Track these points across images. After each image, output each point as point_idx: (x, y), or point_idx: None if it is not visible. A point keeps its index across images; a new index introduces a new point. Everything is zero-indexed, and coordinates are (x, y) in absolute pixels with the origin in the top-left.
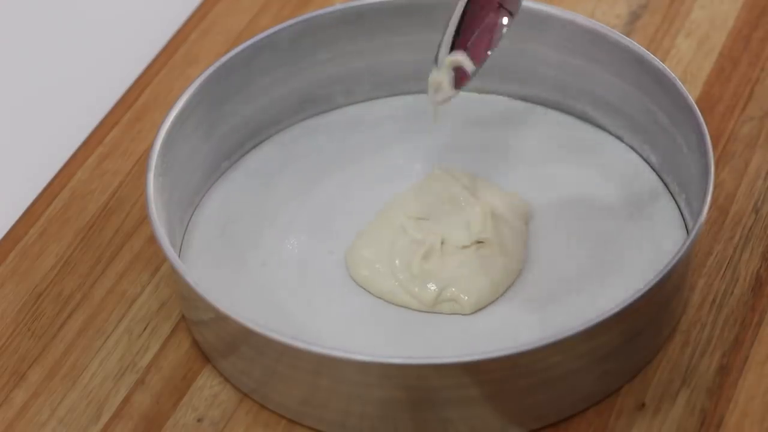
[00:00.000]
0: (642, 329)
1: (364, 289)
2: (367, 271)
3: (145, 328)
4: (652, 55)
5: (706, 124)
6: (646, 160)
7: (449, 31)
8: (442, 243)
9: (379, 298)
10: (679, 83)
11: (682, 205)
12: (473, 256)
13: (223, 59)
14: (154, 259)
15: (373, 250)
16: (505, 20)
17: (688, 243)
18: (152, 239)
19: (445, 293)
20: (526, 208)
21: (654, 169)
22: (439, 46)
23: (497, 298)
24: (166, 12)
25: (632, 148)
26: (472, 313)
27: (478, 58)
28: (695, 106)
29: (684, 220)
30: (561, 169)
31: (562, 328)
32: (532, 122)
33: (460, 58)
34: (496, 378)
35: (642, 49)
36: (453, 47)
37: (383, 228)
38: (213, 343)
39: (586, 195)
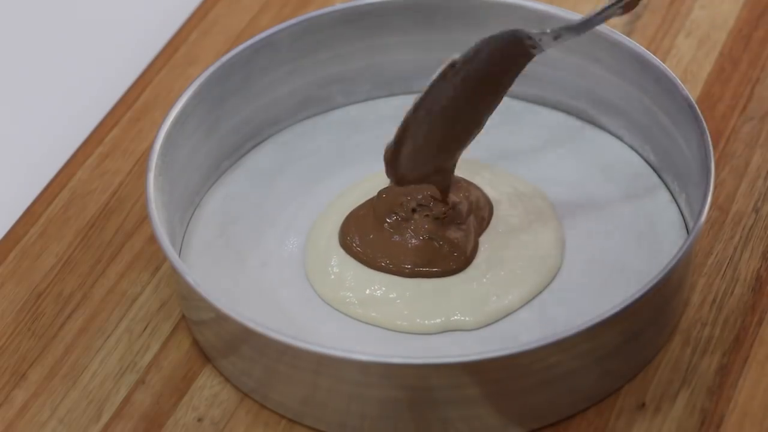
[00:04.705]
0: (642, 329)
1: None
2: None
3: (145, 328)
4: (652, 55)
5: (706, 124)
6: (646, 160)
7: None
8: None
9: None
10: (679, 83)
11: (682, 205)
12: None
13: (223, 59)
14: (154, 258)
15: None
16: None
17: (688, 243)
18: (152, 239)
19: (449, 322)
20: (545, 198)
21: (654, 169)
22: None
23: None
24: (166, 12)
25: (632, 148)
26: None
27: None
28: (695, 106)
29: (684, 220)
30: (561, 169)
31: (562, 328)
32: (532, 122)
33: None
34: (496, 378)
35: (642, 49)
36: None
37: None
38: (213, 342)
39: (586, 195)
